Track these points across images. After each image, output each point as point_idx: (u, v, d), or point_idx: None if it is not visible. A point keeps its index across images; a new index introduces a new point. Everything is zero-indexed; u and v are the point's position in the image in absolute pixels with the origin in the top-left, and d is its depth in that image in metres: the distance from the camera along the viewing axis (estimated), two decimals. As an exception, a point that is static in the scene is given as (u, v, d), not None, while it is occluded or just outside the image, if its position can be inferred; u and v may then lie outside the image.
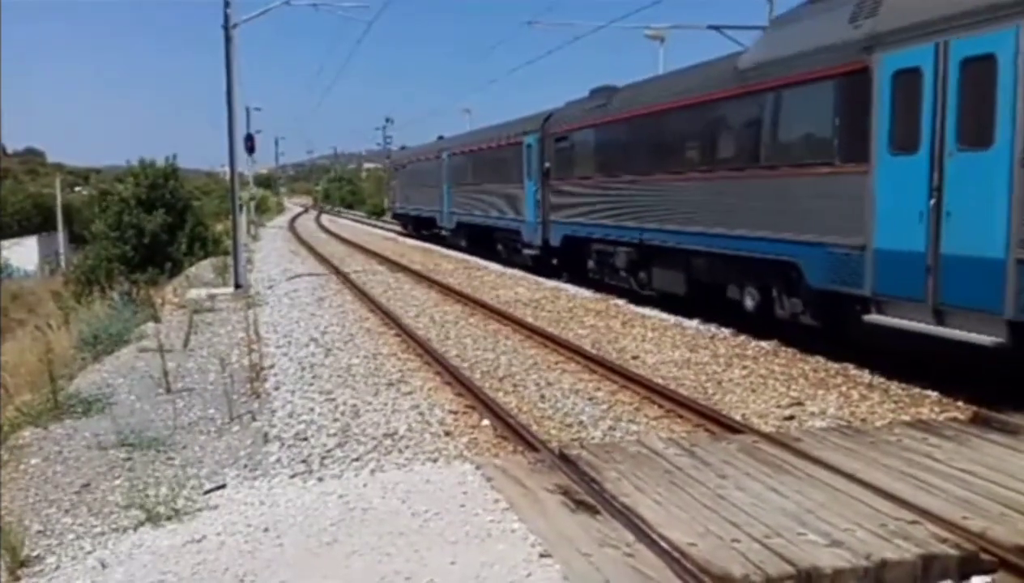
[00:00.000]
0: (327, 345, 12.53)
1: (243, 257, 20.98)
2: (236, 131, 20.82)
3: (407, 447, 7.57)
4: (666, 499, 5.79)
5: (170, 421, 8.49)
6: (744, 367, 10.67)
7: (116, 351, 12.48)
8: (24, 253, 51.20)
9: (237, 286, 19.43)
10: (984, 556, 4.95)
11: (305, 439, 7.85)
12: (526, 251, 22.97)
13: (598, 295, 17.52)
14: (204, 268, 26.14)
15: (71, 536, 5.86)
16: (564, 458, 6.79)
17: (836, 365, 10.45)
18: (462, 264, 25.80)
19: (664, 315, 14.65)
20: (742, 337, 12.49)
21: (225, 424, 8.43)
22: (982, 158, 8.23)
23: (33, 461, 7.47)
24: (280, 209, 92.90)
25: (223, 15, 20.04)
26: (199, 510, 6.08)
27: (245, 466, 7.13)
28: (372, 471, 6.90)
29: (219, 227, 38.84)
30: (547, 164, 21.03)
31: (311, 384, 10.05)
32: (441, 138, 37.23)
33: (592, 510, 5.72)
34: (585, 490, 6.07)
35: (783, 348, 11.57)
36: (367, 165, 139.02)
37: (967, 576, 4.84)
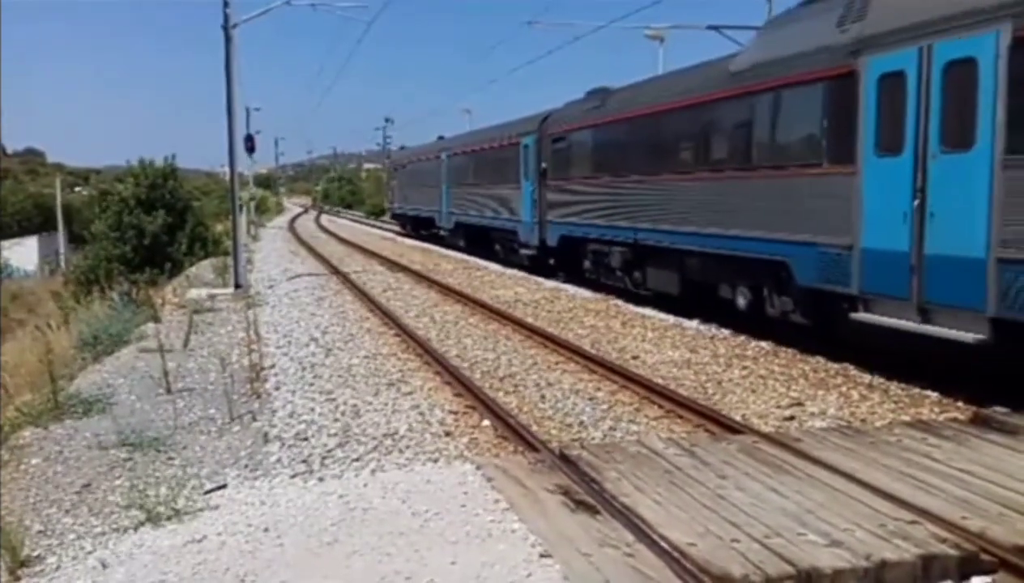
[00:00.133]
0: (327, 345, 12.53)
1: (243, 257, 20.97)
2: (236, 131, 20.82)
3: (407, 447, 7.58)
4: (666, 499, 5.79)
5: (170, 421, 8.49)
6: (744, 367, 10.68)
7: (116, 351, 12.48)
8: (24, 253, 51.21)
9: (237, 286, 19.43)
10: (984, 556, 4.95)
11: (305, 439, 7.85)
12: (523, 251, 23.08)
13: (598, 295, 17.53)
14: (204, 268, 26.13)
15: (72, 536, 5.86)
16: (564, 458, 6.79)
17: (836, 365, 10.46)
18: (461, 264, 25.81)
19: (664, 315, 14.65)
20: (742, 337, 12.50)
21: (225, 424, 8.44)
22: (964, 160, 8.40)
23: (33, 461, 7.48)
24: (280, 209, 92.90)
25: (223, 15, 20.04)
26: (200, 510, 6.08)
27: (246, 466, 7.14)
28: (373, 471, 6.90)
29: (219, 227, 38.82)
30: (544, 165, 21.16)
31: (311, 384, 10.06)
32: (441, 138, 37.26)
33: (592, 510, 5.73)
34: (585, 490, 6.07)
35: (783, 348, 11.58)
36: (367, 165, 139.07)
37: (967, 576, 4.84)
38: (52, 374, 9.45)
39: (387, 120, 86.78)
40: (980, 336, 8.26)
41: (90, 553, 5.53)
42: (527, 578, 4.86)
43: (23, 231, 57.24)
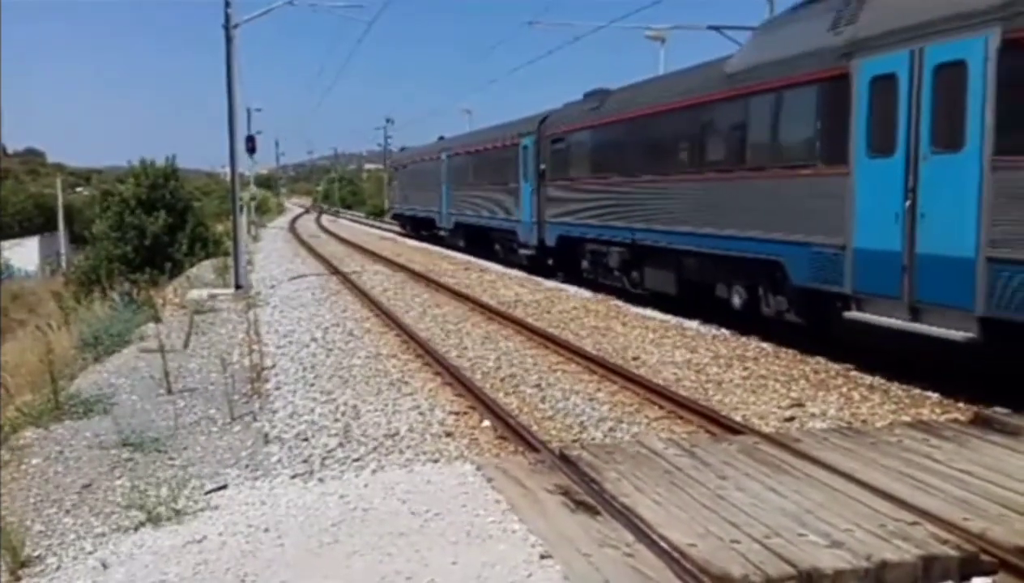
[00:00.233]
0: (328, 345, 12.53)
1: (244, 258, 20.98)
2: (237, 132, 20.83)
3: (408, 447, 7.58)
4: (666, 499, 5.79)
5: (171, 421, 8.50)
6: (744, 368, 10.68)
7: (117, 351, 12.49)
8: (25, 253, 51.21)
9: (238, 286, 19.43)
10: (984, 557, 4.95)
11: (306, 439, 7.85)
12: (522, 251, 23.17)
13: (598, 296, 17.54)
14: (205, 269, 26.15)
15: (72, 536, 5.87)
16: (564, 459, 6.79)
17: (837, 366, 10.46)
18: (462, 265, 25.81)
19: (664, 316, 14.66)
20: (742, 338, 12.50)
21: (226, 424, 8.44)
22: (954, 161, 8.52)
23: (34, 461, 7.48)
24: (280, 210, 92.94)
25: (224, 15, 20.05)
26: (200, 510, 6.08)
27: (246, 466, 7.14)
28: (373, 471, 6.90)
29: (220, 228, 38.84)
30: (543, 165, 21.27)
31: (312, 384, 10.06)
32: (442, 139, 37.29)
33: (592, 510, 5.73)
34: (585, 490, 6.07)
35: (783, 349, 11.58)
36: (367, 166, 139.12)
37: (967, 577, 4.83)
38: (53, 374, 9.45)
39: (388, 120, 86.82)
40: (969, 335, 8.38)
41: (90, 553, 5.54)
42: (527, 578, 4.86)
43: (24, 231, 57.24)
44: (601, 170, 17.72)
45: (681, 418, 8.43)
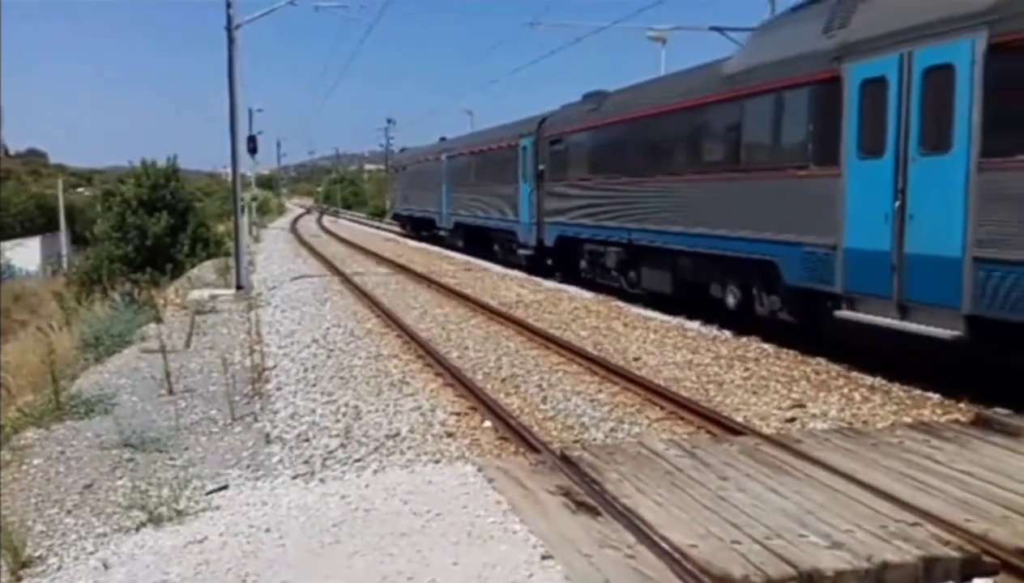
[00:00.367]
0: (329, 346, 12.54)
1: (245, 258, 20.99)
2: (238, 132, 20.85)
3: (409, 448, 7.58)
4: (667, 500, 5.79)
5: (172, 422, 8.50)
6: (746, 369, 10.68)
7: (118, 352, 12.50)
8: (26, 254, 51.20)
9: (239, 287, 19.44)
10: (986, 558, 4.95)
11: (307, 440, 7.85)
12: (521, 251, 23.29)
13: (599, 297, 17.54)
14: (206, 269, 26.18)
15: (73, 537, 5.87)
16: (565, 459, 6.79)
17: (838, 367, 10.46)
18: (463, 266, 25.82)
19: (665, 317, 14.66)
20: (743, 339, 12.51)
21: (227, 425, 8.45)
22: (942, 162, 8.67)
23: (35, 462, 7.49)
24: (281, 210, 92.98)
25: (225, 16, 20.07)
26: (201, 511, 6.08)
27: (247, 467, 7.14)
28: (374, 472, 6.91)
29: (221, 228, 38.89)
30: (542, 166, 21.42)
31: (313, 385, 10.06)
32: (443, 140, 37.33)
33: (593, 511, 5.73)
34: (586, 491, 6.07)
35: (784, 350, 11.58)
36: (368, 166, 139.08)
37: (969, 578, 4.83)
38: (54, 374, 9.47)
39: (389, 121, 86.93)
40: (956, 333, 8.55)
41: (92, 553, 5.54)
42: (528, 579, 4.86)
43: (25, 232, 57.24)
44: (599, 171, 17.90)
45: (682, 419, 8.43)
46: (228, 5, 19.96)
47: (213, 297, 18.08)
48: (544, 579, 4.86)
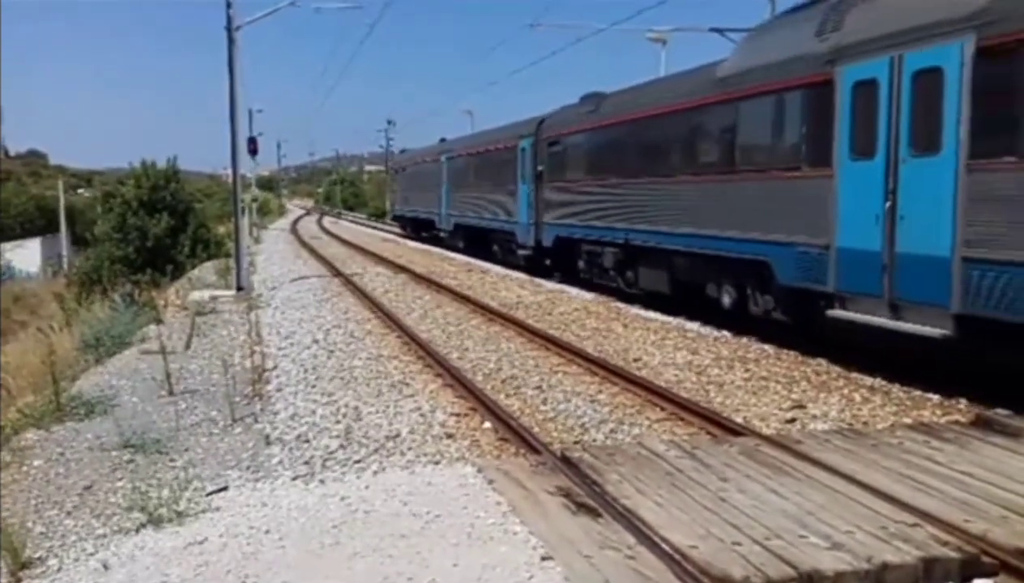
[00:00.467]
0: (329, 347, 12.54)
1: (245, 259, 20.99)
2: (239, 134, 20.85)
3: (409, 449, 7.58)
4: (667, 501, 5.79)
5: (172, 423, 8.50)
6: (746, 369, 10.68)
7: (118, 353, 12.50)
8: (27, 255, 51.21)
9: (239, 288, 19.44)
10: (985, 559, 4.95)
11: (307, 441, 7.85)
12: (520, 252, 23.42)
13: (599, 298, 17.55)
14: (206, 270, 26.18)
15: (73, 538, 5.87)
16: (566, 460, 6.79)
17: (838, 368, 10.46)
18: (463, 266, 25.82)
19: (666, 318, 14.67)
20: (743, 339, 12.51)
21: (227, 426, 8.45)
22: (931, 164, 8.81)
23: (35, 463, 7.49)
24: (282, 211, 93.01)
25: (225, 17, 20.07)
26: (201, 512, 6.09)
27: (247, 468, 7.14)
28: (374, 473, 6.91)
29: (221, 229, 38.90)
30: (540, 167, 21.56)
31: (313, 386, 10.06)
32: (443, 141, 37.37)
33: (593, 512, 5.73)
34: (587, 492, 6.07)
35: (784, 351, 11.58)
36: (369, 167, 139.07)
37: (968, 579, 4.83)
38: (54, 376, 9.47)
39: (389, 122, 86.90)
40: (945, 331, 8.69)
41: (92, 555, 5.54)
42: (528, 580, 4.86)
43: (26, 233, 57.24)
44: (596, 172, 18.06)
45: (682, 420, 8.43)
46: (228, 6, 19.97)
47: (213, 298, 18.08)
48: (544, 580, 4.86)
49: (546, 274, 21.70)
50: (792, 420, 8.46)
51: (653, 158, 15.30)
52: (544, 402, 9.29)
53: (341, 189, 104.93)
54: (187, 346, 12.57)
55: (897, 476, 6.29)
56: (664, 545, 5.10)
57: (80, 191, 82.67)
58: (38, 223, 62.42)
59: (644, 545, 5.17)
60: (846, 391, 9.48)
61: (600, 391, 9.71)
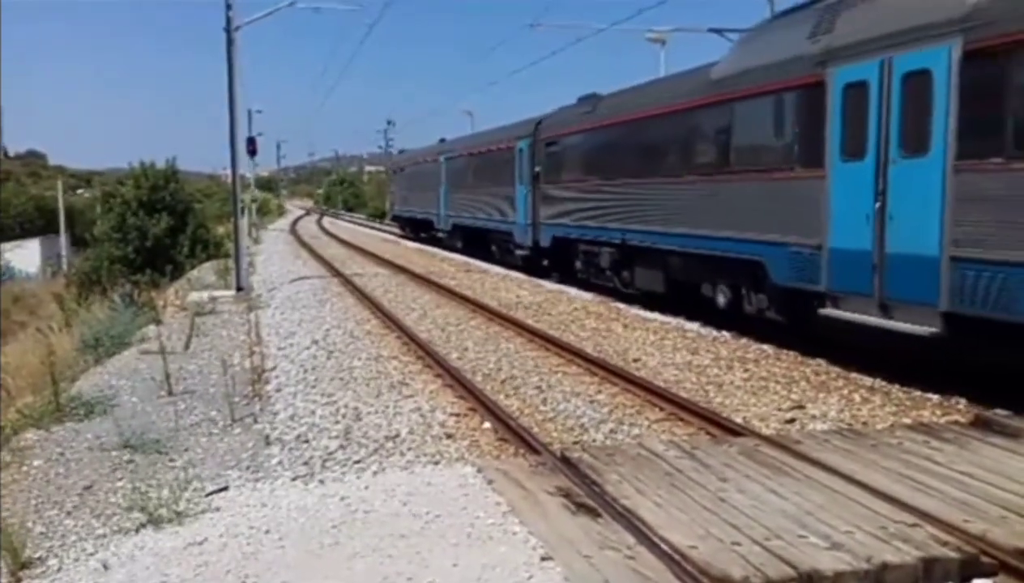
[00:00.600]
0: (329, 347, 12.54)
1: (245, 260, 21.00)
2: (238, 134, 20.86)
3: (408, 449, 7.58)
4: (667, 501, 5.79)
5: (172, 423, 8.50)
6: (745, 370, 10.68)
7: (118, 353, 12.50)
8: (26, 255, 51.14)
9: (239, 288, 19.44)
10: (985, 559, 4.96)
11: (307, 441, 7.85)
12: (518, 252, 23.54)
13: (599, 298, 17.55)
14: (206, 271, 26.17)
15: (73, 538, 5.87)
16: (565, 461, 6.79)
17: (837, 368, 10.46)
18: (463, 267, 25.83)
19: (665, 318, 14.67)
20: (743, 340, 12.52)
21: (227, 426, 8.45)
22: (920, 165, 8.94)
23: (35, 463, 7.49)
24: (281, 212, 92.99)
25: (225, 18, 20.07)
26: (201, 512, 6.09)
27: (247, 468, 7.14)
28: (374, 473, 6.91)
29: (221, 230, 38.88)
30: (537, 168, 21.67)
31: (313, 386, 10.06)
32: (443, 141, 37.39)
33: (593, 513, 5.73)
34: (586, 493, 6.07)
35: (784, 351, 11.58)
36: (368, 168, 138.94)
37: (968, 579, 4.84)
38: (54, 376, 9.46)
39: (389, 122, 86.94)
40: (933, 329, 8.85)
41: (91, 555, 5.54)
42: (528, 580, 4.86)
43: (25, 233, 57.16)
44: (593, 172, 18.19)
45: (682, 420, 8.43)
46: (228, 7, 19.97)
47: (213, 298, 18.08)
48: (544, 580, 4.86)
49: (544, 274, 21.76)
50: (791, 420, 8.46)
51: (649, 159, 15.43)
52: (544, 402, 9.29)
53: (341, 190, 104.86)
54: (186, 346, 12.57)
55: (896, 476, 6.29)
56: (664, 545, 5.11)
57: (79, 191, 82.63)
58: (37, 223, 62.38)
59: (644, 545, 5.17)
60: (845, 391, 9.49)
61: (600, 391, 9.71)
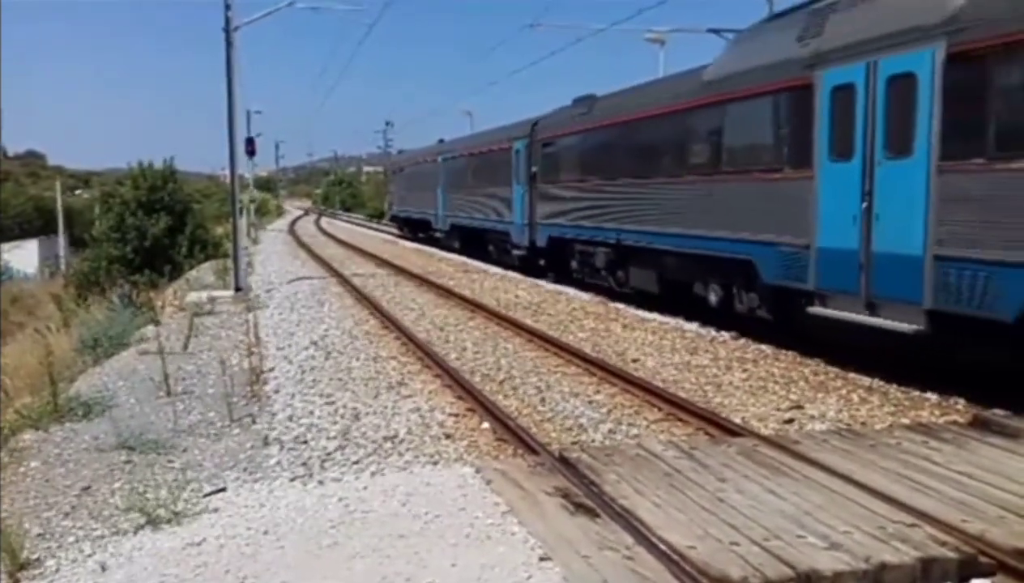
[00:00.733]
0: (327, 348, 12.53)
1: (243, 260, 20.98)
2: (237, 134, 20.83)
3: (407, 450, 7.58)
4: (665, 502, 5.79)
5: (170, 424, 8.49)
6: (744, 370, 10.68)
7: (116, 354, 12.49)
8: (25, 256, 51.17)
9: (237, 289, 19.43)
10: (983, 559, 4.96)
11: (305, 442, 7.85)
12: (515, 252, 23.66)
13: (597, 298, 17.56)
14: (204, 271, 26.15)
15: (71, 539, 5.86)
16: (564, 461, 6.79)
17: (836, 368, 10.47)
18: (460, 267, 25.83)
19: (663, 318, 14.67)
20: (742, 340, 12.53)
21: (225, 427, 8.44)
22: (905, 166, 9.10)
23: (33, 464, 7.48)
24: (280, 212, 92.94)
25: (224, 18, 20.05)
26: (199, 513, 6.08)
27: (245, 469, 7.13)
28: (372, 474, 6.91)
29: (219, 230, 38.84)
30: (534, 168, 21.83)
31: (311, 387, 10.06)
32: (442, 142, 37.41)
33: (592, 513, 5.73)
34: (585, 493, 6.07)
35: (783, 351, 11.59)
36: (367, 168, 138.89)
37: (966, 579, 4.84)
38: (52, 376, 9.45)
39: (388, 123, 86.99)
40: (917, 327, 9.03)
41: (90, 556, 5.53)
42: (527, 580, 4.86)
43: (24, 234, 57.20)
44: (588, 173, 18.34)
45: (680, 420, 8.43)
46: (227, 7, 19.95)
47: (211, 299, 18.05)
48: (542, 580, 4.86)
49: (540, 274, 21.83)
50: (790, 420, 8.47)
51: (643, 160, 15.58)
52: (542, 402, 9.30)
53: (339, 190, 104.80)
54: (185, 347, 12.56)
55: (895, 476, 6.30)
56: (662, 545, 5.11)
57: (78, 192, 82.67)
58: (36, 224, 62.42)
59: (642, 545, 5.17)
60: (844, 391, 9.49)
61: (598, 391, 9.71)
